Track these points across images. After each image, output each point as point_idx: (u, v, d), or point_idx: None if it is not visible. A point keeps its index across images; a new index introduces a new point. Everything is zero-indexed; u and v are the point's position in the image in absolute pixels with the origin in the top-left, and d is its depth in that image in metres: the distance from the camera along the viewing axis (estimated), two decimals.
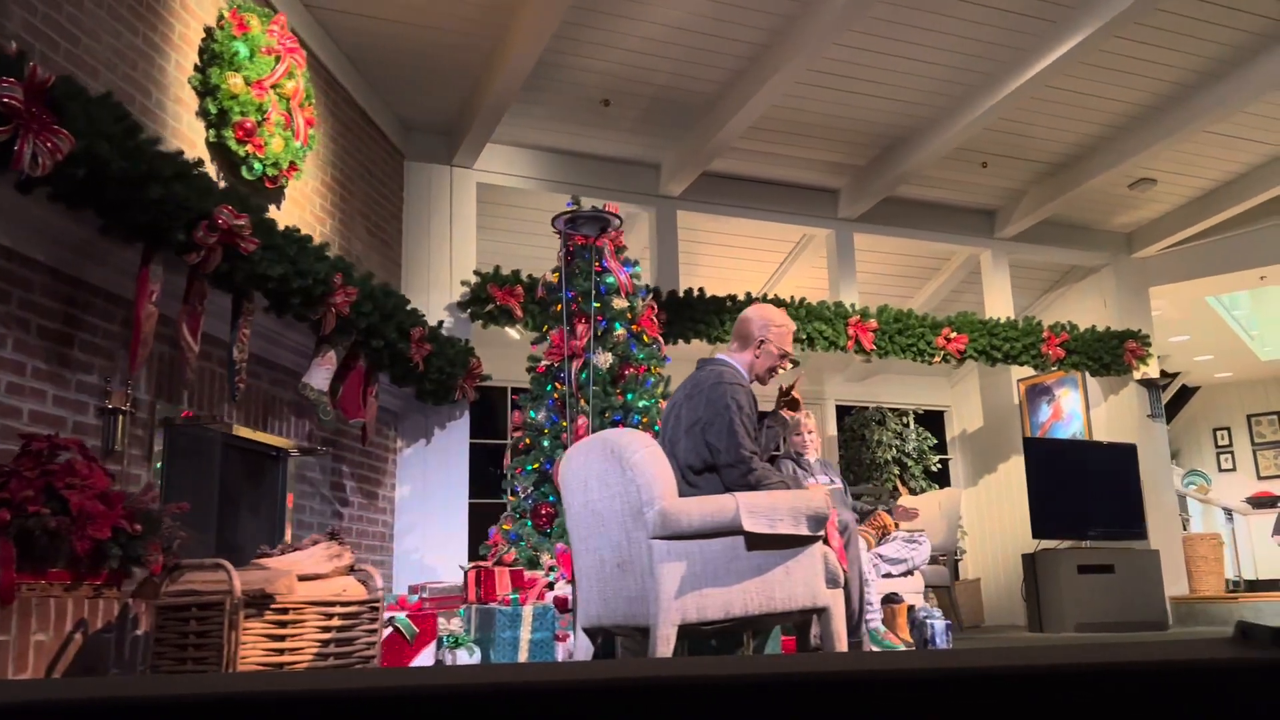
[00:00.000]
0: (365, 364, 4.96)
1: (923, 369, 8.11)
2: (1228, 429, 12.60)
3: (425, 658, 4.34)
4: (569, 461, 3.41)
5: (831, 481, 5.37)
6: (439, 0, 5.12)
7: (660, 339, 5.23)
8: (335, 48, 5.41)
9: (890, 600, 4.82)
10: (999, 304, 7.91)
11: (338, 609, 3.14)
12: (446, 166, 6.32)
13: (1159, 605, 7.07)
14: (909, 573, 5.08)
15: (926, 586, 8.23)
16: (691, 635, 3.28)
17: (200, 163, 3.44)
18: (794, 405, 3.77)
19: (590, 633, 3.44)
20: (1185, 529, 9.13)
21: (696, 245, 7.86)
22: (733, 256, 8.05)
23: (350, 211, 5.50)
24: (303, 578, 3.04)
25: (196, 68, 4.12)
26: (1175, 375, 11.86)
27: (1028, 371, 8.53)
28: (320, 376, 4.46)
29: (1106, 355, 7.88)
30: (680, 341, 6.67)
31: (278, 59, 4.44)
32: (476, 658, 4.17)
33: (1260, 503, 10.67)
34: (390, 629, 4.35)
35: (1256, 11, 5.58)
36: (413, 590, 4.60)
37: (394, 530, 5.72)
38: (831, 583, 3.26)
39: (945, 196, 7.70)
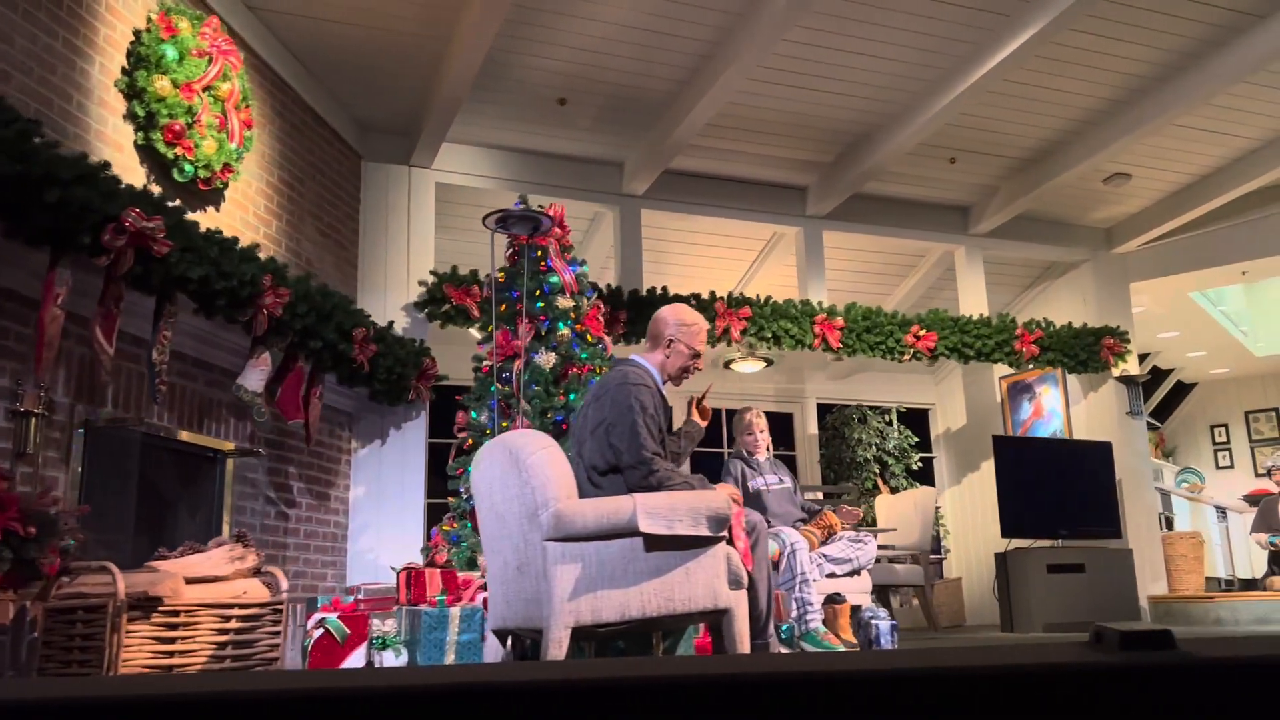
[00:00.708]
0: (308, 365, 4.98)
1: (906, 367, 8.05)
2: (1225, 426, 12.47)
3: (356, 659, 4.34)
4: (478, 464, 3.40)
5: (780, 481, 5.34)
6: (385, 1, 5.12)
7: (606, 338, 5.21)
8: (285, 50, 5.42)
9: (832, 600, 4.78)
10: (973, 301, 7.83)
11: (235, 611, 3.14)
12: (404, 167, 6.32)
13: (1132, 605, 6.99)
14: (855, 572, 5.04)
15: (902, 587, 8.19)
16: (591, 637, 3.26)
17: (107, 165, 3.44)
18: (704, 414, 3.74)
19: (499, 634, 3.43)
20: (1170, 528, 9.03)
21: (668, 244, 7.83)
22: (705, 255, 8.01)
23: (300, 212, 5.51)
24: (196, 580, 3.04)
25: (124, 70, 4.13)
26: (1169, 372, 11.74)
27: (1011, 369, 8.46)
28: (254, 378, 4.46)
29: (1082, 352, 7.80)
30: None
31: (210, 61, 4.44)
32: (403, 659, 4.16)
33: (1257, 500, 10.53)
34: (321, 630, 4.36)
35: (1214, 3, 5.50)
36: (349, 591, 4.59)
37: (348, 530, 5.73)
38: (734, 584, 3.23)
39: (916, 193, 7.64)
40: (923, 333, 7.23)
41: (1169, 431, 12.71)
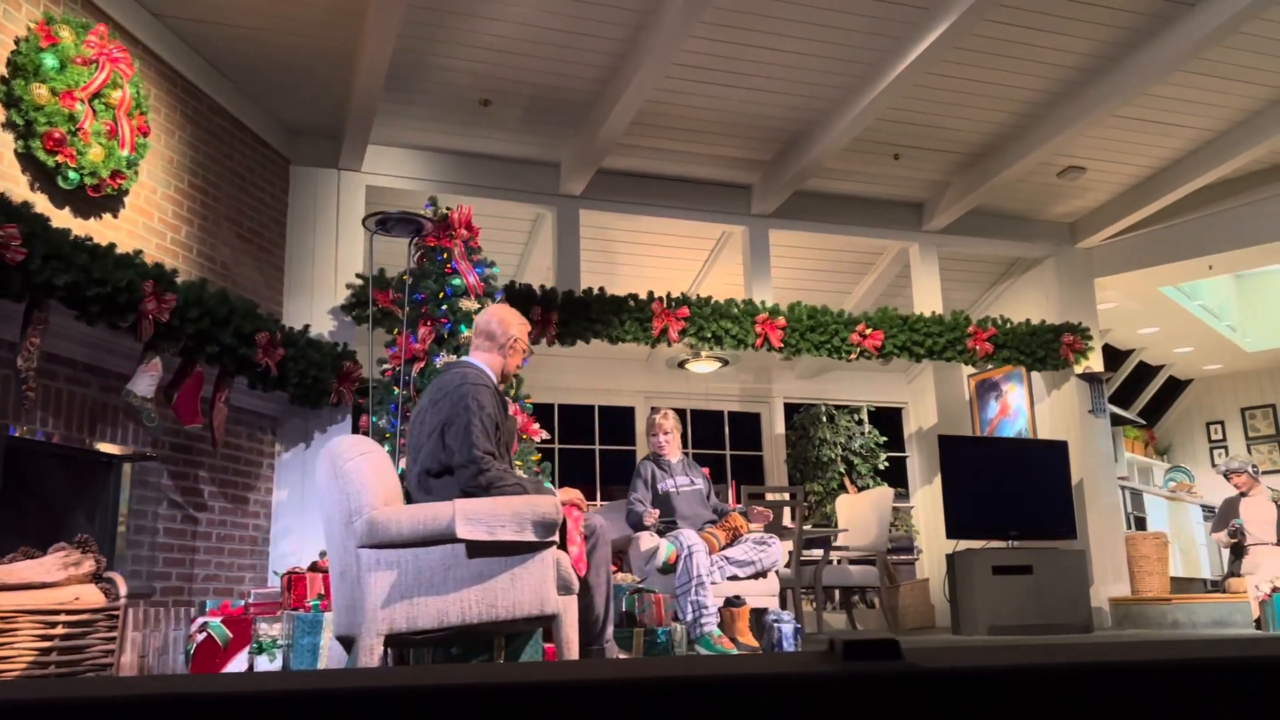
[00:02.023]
0: (217, 370, 5.00)
1: (877, 366, 7.95)
2: (1221, 423, 12.21)
3: (238, 664, 4.35)
4: (317, 471, 3.38)
5: (692, 482, 5.29)
6: (290, 5, 5.12)
7: None
8: (198, 57, 5.44)
9: (731, 603, 4.72)
10: (928, 298, 7.72)
11: (62, 618, 3.14)
12: (333, 170, 6.34)
13: (1082, 607, 6.85)
14: (759, 575, 4.97)
15: (856, 589, 8.09)
16: (411, 644, 3.24)
17: None
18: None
19: (343, 641, 3.41)
20: (1143, 528, 8.85)
21: (618, 245, 7.80)
22: (657, 256, 7.97)
23: (216, 217, 5.53)
24: (17, 586, 3.05)
25: (1, 79, 4.16)
26: (1159, 368, 11.51)
27: (970, 367, 8.33)
28: (144, 383, 4.48)
29: (1040, 349, 7.65)
30: (580, 342, 6.62)
31: (97, 68, 4.46)
32: (277, 664, 4.17)
33: None
34: (204, 634, 4.37)
35: None
36: (240, 595, 4.61)
37: (270, 534, 5.75)
38: (564, 589, 3.20)
39: (865, 190, 7.53)
40: (869, 331, 7.13)
41: (1164, 429, 12.46)
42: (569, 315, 6.47)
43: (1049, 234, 8.23)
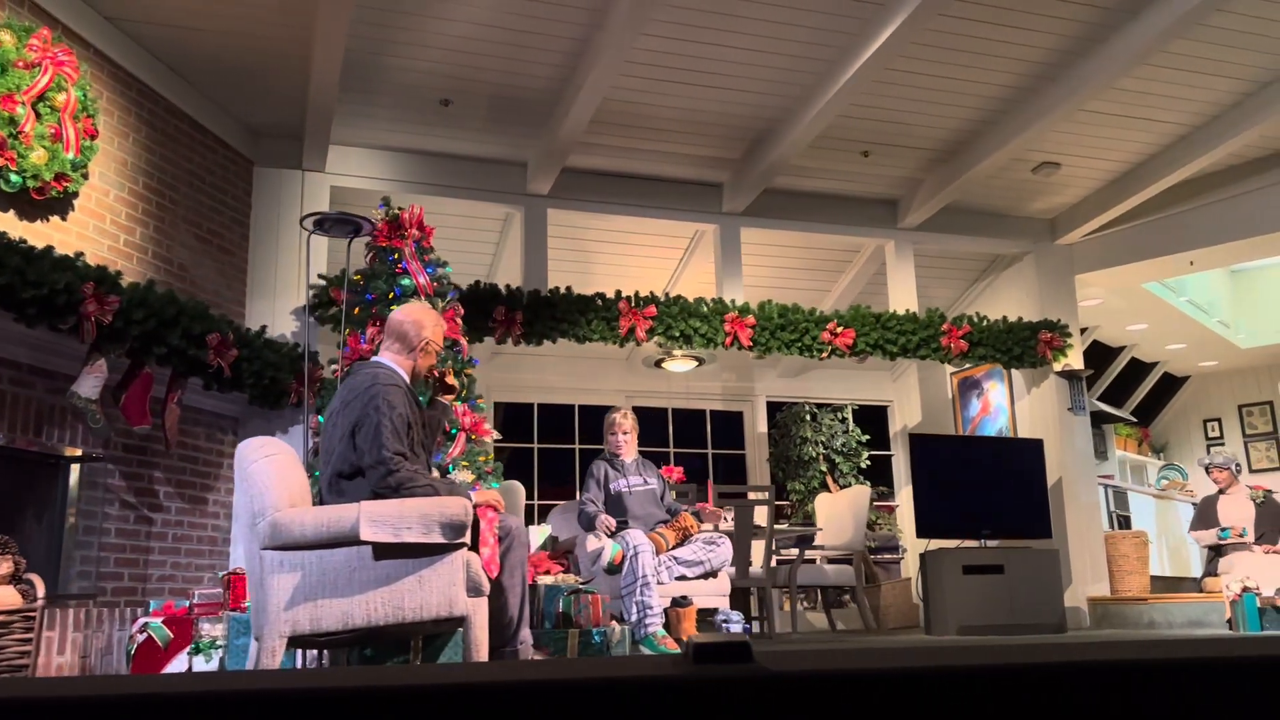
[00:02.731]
0: (170, 372, 5.02)
1: (861, 364, 7.88)
2: (1218, 420, 12.07)
3: (178, 665, 4.36)
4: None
5: (645, 482, 5.28)
6: (241, 7, 5.14)
7: (462, 341, 5.16)
8: (155, 60, 5.46)
9: (678, 604, 4.70)
10: (903, 295, 7.66)
11: None
12: (297, 171, 6.35)
13: (1055, 607, 6.78)
14: (708, 575, 4.95)
15: (839, 589, 8.05)
16: (315, 646, 3.23)
17: None
18: (448, 389, 3.69)
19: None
20: (1127, 527, 8.76)
21: (593, 245, 7.78)
22: (633, 255, 7.95)
23: (173, 219, 5.55)
24: None
25: None
26: (1153, 365, 11.40)
27: (964, 364, 8.27)
28: (88, 385, 4.51)
29: (1017, 347, 7.59)
30: (547, 341, 6.61)
31: (40, 71, 4.48)
32: (212, 665, 4.18)
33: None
34: (145, 635, 4.39)
35: None
36: (186, 596, 4.62)
37: (230, 534, 5.76)
38: (474, 591, 3.18)
39: (836, 187, 7.49)
40: (840, 330, 7.09)
41: (1160, 427, 12.34)
42: (534, 315, 6.46)
43: (1028, 230, 8.16)
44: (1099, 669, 0.77)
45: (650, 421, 9.14)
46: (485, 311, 6.33)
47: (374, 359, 3.51)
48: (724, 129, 6.61)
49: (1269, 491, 10.52)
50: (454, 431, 4.85)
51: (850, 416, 9.51)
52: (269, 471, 3.08)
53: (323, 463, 3.36)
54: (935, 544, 7.03)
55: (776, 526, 8.35)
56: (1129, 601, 7.32)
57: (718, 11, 5.40)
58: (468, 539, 3.15)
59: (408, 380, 3.45)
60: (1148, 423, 12.15)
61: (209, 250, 5.85)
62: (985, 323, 7.52)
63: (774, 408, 9.40)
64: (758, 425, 9.29)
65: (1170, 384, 11.99)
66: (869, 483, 9.06)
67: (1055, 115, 6.28)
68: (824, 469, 9.01)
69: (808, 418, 9.07)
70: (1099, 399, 10.61)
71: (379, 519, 3.05)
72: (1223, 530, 7.01)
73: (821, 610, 8.40)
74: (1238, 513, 7.07)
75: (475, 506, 3.32)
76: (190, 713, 0.66)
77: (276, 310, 6.07)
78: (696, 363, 8.06)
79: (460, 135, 6.50)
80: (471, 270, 7.45)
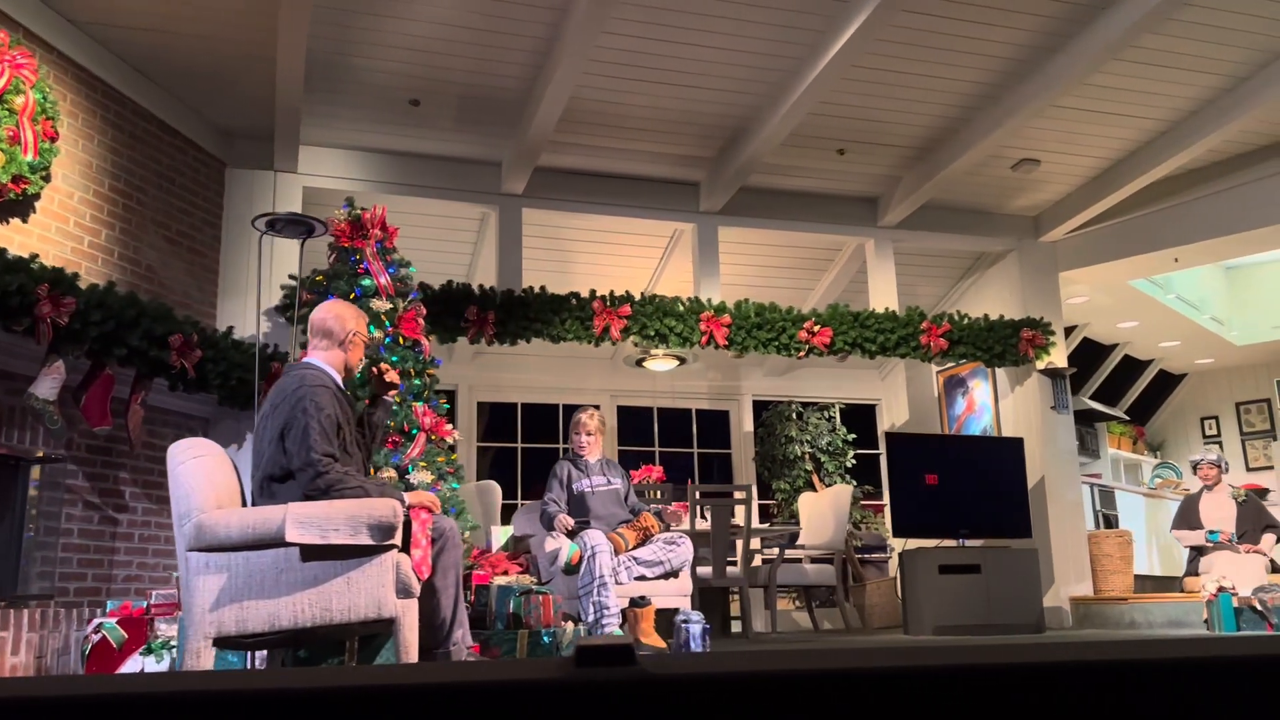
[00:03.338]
0: (128, 373, 5.04)
1: (849, 363, 7.84)
2: (1216, 418, 11.97)
3: (132, 665, 4.38)
4: None
5: (608, 482, 5.27)
6: (204, 9, 5.15)
7: (424, 341, 5.16)
8: (121, 63, 5.47)
9: (636, 604, 4.69)
10: (883, 293, 7.62)
11: None
12: (269, 172, 6.36)
13: (1033, 606, 6.73)
14: (669, 575, 4.93)
15: (826, 588, 8.01)
16: (241, 647, 3.24)
17: None
18: (390, 386, 3.68)
19: None
20: (1115, 526, 8.69)
21: (572, 245, 7.78)
22: (614, 255, 7.94)
23: (141, 221, 5.57)
24: None
25: None
26: (1148, 363, 11.31)
27: (947, 363, 8.23)
28: (46, 386, 4.52)
29: (998, 345, 7.54)
30: (521, 341, 6.61)
31: None
32: (164, 665, 4.19)
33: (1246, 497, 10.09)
34: (100, 635, 4.41)
35: None
36: (145, 597, 4.64)
37: None
38: (403, 593, 3.18)
39: (814, 186, 7.46)
40: (817, 328, 7.06)
41: (1157, 424, 12.25)
42: (507, 315, 6.45)
43: (1012, 228, 8.11)
44: (1028, 671, 0.76)
45: (636, 421, 9.14)
46: (457, 311, 6.33)
47: (304, 360, 3.50)
48: (697, 127, 6.59)
49: (1266, 491, 10.45)
50: (414, 431, 4.85)
51: (838, 415, 9.47)
52: (196, 473, 3.09)
53: (254, 466, 3.36)
54: (915, 543, 7.00)
55: (759, 526, 8.34)
56: (1111, 601, 7.27)
57: (682, 10, 5.38)
58: (398, 540, 3.15)
59: (340, 376, 3.45)
60: (1144, 421, 12.07)
61: (179, 251, 5.87)
62: (966, 321, 7.48)
63: (760, 406, 9.38)
64: (744, 424, 9.27)
65: (1167, 382, 11.89)
66: (855, 482, 9.04)
67: (1028, 112, 6.23)
68: (809, 468, 8.98)
69: (794, 416, 9.04)
70: (1091, 397, 10.54)
71: (306, 521, 3.05)
72: (1211, 533, 6.95)
73: (820, 609, 8.38)
74: (1220, 512, 7.01)
75: (409, 508, 3.32)
76: (121, 714, 0.67)
77: (248, 311, 6.08)
78: (678, 362, 8.04)
79: (432, 135, 6.50)
80: (450, 270, 7.45)
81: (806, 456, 8.99)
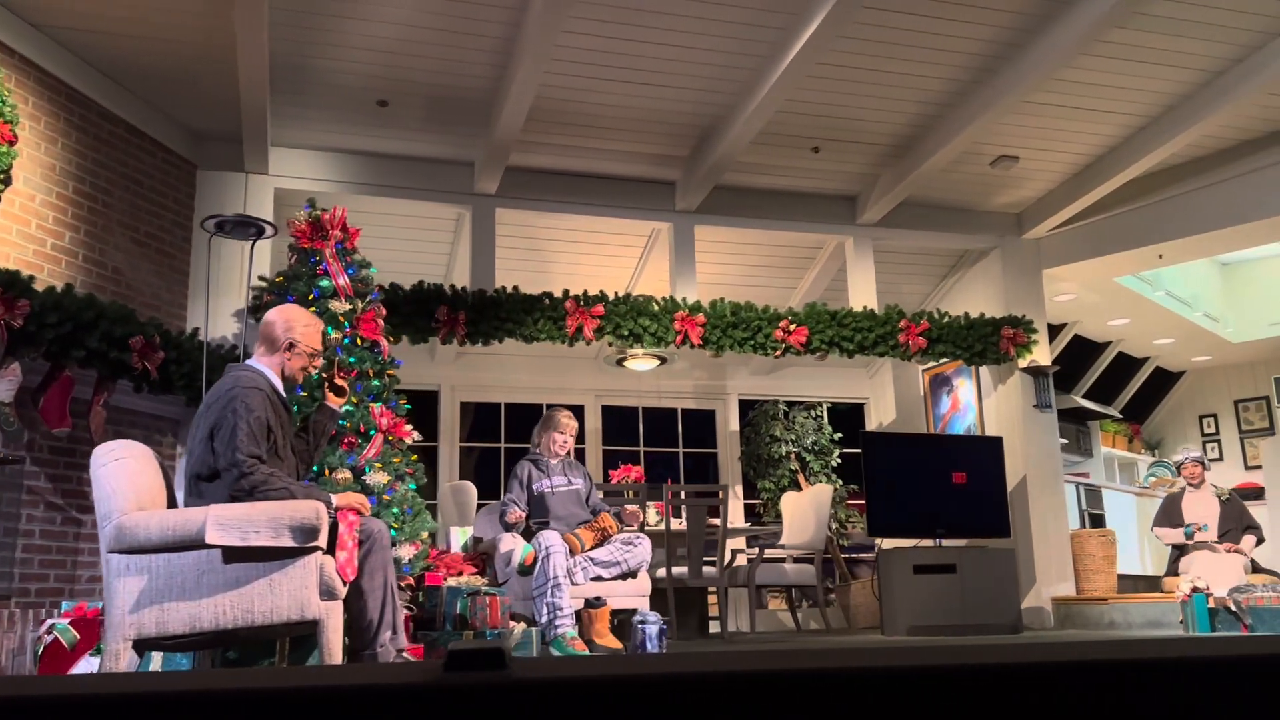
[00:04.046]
0: (90, 374, 5.07)
1: (836, 362, 7.80)
2: (1214, 416, 11.85)
3: (85, 666, 4.40)
4: None
5: (569, 483, 5.26)
6: (165, 13, 5.16)
7: (383, 341, 5.15)
8: (86, 66, 5.50)
9: (591, 605, 4.67)
10: (863, 292, 7.58)
11: None
12: (241, 174, 6.38)
13: (1010, 607, 6.68)
14: (626, 575, 4.92)
15: (800, 587, 7.98)
16: (160, 648, 3.24)
17: None
18: (339, 392, 3.69)
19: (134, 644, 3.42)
20: (1101, 525, 8.61)
21: (550, 245, 7.77)
22: (593, 255, 7.92)
23: (107, 223, 5.60)
24: None
25: None
26: (1144, 360, 11.21)
27: (928, 361, 8.18)
28: (2, 388, 4.55)
29: (978, 343, 7.48)
30: (495, 341, 6.60)
31: None
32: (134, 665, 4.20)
33: (1246, 494, 9.98)
34: (52, 636, 4.42)
35: None
36: (102, 598, 4.66)
37: None
38: (327, 595, 3.18)
39: (792, 184, 7.42)
40: (793, 327, 7.02)
41: (1156, 422, 12.13)
42: (478, 315, 6.45)
43: (995, 225, 8.05)
44: (961, 672, 0.76)
45: (620, 421, 9.13)
46: (428, 312, 6.33)
47: (245, 362, 3.51)
48: (669, 126, 6.57)
49: (1262, 489, 10.32)
50: (371, 432, 4.85)
51: (825, 414, 9.44)
52: (116, 475, 3.10)
53: (185, 465, 3.37)
54: (897, 543, 6.96)
55: (739, 526, 8.31)
56: (1092, 601, 7.21)
57: (643, 9, 5.36)
58: (322, 543, 3.14)
59: (278, 382, 3.45)
60: (1141, 419, 11.96)
61: (147, 253, 5.89)
62: (946, 319, 7.43)
63: (747, 406, 9.35)
64: (729, 424, 9.24)
65: (1164, 379, 11.79)
66: (841, 481, 9.00)
67: (1000, 108, 6.18)
68: (795, 467, 8.94)
69: (779, 416, 9.00)
70: (1085, 395, 10.46)
71: (226, 523, 3.05)
72: (1186, 528, 6.88)
73: (804, 609, 8.35)
74: (1203, 510, 6.94)
75: (336, 510, 3.31)
76: (59, 714, 0.68)
77: (219, 312, 6.11)
78: (658, 361, 8.02)
79: (402, 136, 6.51)
80: (428, 270, 7.46)
81: (792, 456, 8.96)
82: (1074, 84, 6.20)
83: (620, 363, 8.07)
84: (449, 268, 7.71)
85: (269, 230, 4.64)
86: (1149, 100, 6.48)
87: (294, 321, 3.50)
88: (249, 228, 4.54)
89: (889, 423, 9.28)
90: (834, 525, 8.70)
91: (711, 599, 7.41)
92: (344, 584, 3.22)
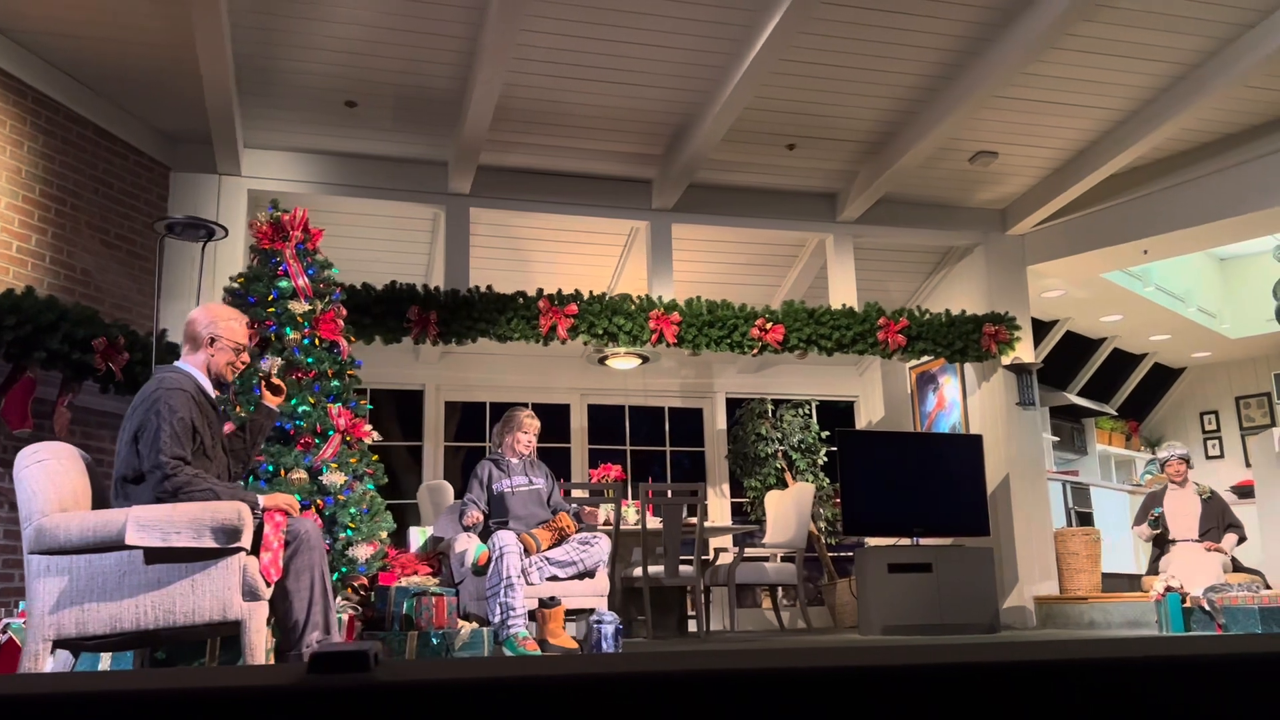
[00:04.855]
0: (54, 376, 5.11)
1: (826, 359, 7.76)
2: (1215, 413, 11.73)
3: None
4: None
5: (530, 482, 5.25)
6: (127, 15, 5.20)
7: (342, 342, 5.16)
8: (53, 69, 5.55)
9: (545, 605, 4.67)
10: (843, 289, 7.54)
11: None
12: (214, 175, 6.42)
13: (988, 606, 6.63)
14: (583, 575, 4.91)
15: (783, 586, 7.95)
16: (81, 649, 3.26)
17: None
18: (276, 391, 3.70)
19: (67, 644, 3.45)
20: (1091, 524, 8.53)
21: (530, 245, 7.77)
22: (573, 254, 7.91)
23: (76, 225, 5.64)
24: None
25: None
26: (1142, 357, 11.10)
27: (910, 359, 8.13)
28: None
29: (959, 341, 7.42)
30: (469, 341, 6.61)
31: None
32: (68, 664, 4.24)
33: (1246, 492, 9.87)
34: (7, 636, 4.47)
35: None
36: None
37: None
38: (250, 595, 3.19)
39: (769, 181, 7.39)
40: (769, 326, 6.99)
41: (1156, 419, 12.01)
42: (450, 315, 6.46)
43: (978, 221, 7.99)
44: (891, 674, 0.75)
45: (607, 419, 9.12)
46: (399, 312, 6.34)
47: (173, 363, 3.53)
48: (641, 124, 6.56)
49: (1258, 488, 10.18)
50: (329, 433, 4.87)
51: (814, 412, 9.40)
52: (38, 477, 3.12)
53: (115, 466, 3.39)
54: (882, 542, 6.92)
55: (723, 524, 8.29)
56: (1070, 601, 7.14)
57: (604, 7, 5.35)
58: (245, 543, 3.16)
59: (206, 380, 3.46)
60: (1142, 416, 11.85)
61: (118, 255, 5.94)
62: (926, 316, 7.38)
63: (735, 404, 9.32)
64: (717, 422, 9.22)
65: (1164, 376, 11.67)
66: (829, 479, 8.96)
67: (972, 103, 6.13)
68: (781, 465, 8.91)
69: (765, 414, 8.97)
70: (1080, 392, 10.37)
71: (147, 524, 3.07)
72: (1152, 520, 6.79)
73: (792, 608, 8.33)
74: (1184, 508, 6.86)
75: (263, 510, 3.32)
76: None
77: (185, 313, 6.13)
78: (640, 360, 8.01)
79: (373, 136, 6.53)
80: (409, 271, 7.49)
81: (779, 454, 8.93)
82: (1047, 78, 6.15)
83: (602, 361, 8.07)
84: (429, 268, 7.73)
85: (220, 232, 4.67)
86: (1125, 95, 6.41)
87: (215, 317, 3.51)
88: (199, 229, 4.56)
89: (878, 420, 9.23)
90: (821, 524, 8.67)
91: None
92: (268, 584, 3.23)
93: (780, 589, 8.32)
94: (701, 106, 6.26)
